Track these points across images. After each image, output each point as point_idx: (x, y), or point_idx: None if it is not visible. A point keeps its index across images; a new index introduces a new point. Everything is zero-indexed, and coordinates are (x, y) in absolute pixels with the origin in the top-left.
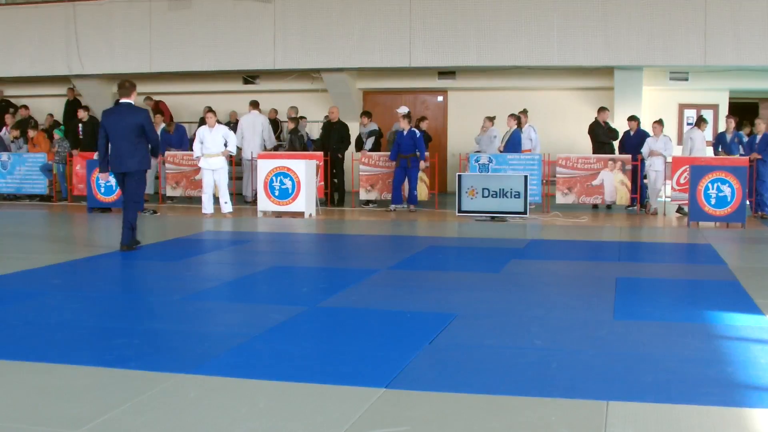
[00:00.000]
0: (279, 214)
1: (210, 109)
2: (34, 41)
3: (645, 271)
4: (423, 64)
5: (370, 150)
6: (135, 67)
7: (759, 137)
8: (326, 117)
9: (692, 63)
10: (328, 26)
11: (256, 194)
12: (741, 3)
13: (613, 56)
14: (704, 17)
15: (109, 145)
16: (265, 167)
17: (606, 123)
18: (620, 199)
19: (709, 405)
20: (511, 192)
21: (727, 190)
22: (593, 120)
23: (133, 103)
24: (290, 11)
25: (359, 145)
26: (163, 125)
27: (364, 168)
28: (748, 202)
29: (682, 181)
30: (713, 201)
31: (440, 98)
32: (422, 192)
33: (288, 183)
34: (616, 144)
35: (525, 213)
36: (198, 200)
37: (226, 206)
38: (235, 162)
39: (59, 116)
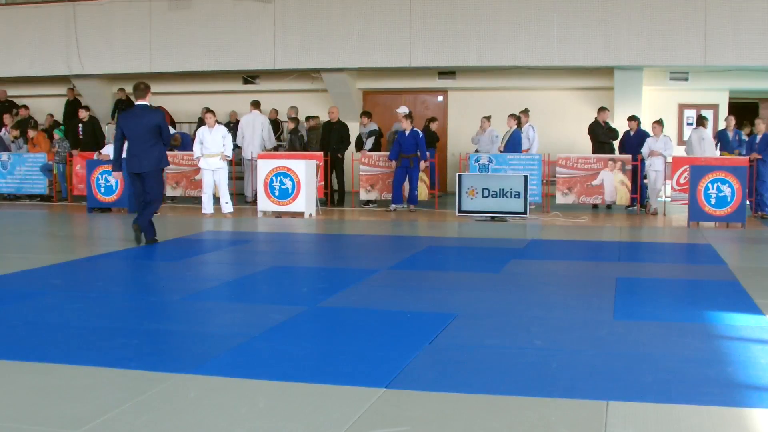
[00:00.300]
0: (279, 214)
1: (209, 110)
2: (34, 41)
3: (645, 271)
4: (423, 64)
5: (370, 150)
6: (135, 67)
7: (759, 137)
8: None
9: (692, 63)
10: (328, 26)
11: (256, 194)
12: (741, 3)
13: (613, 56)
14: (704, 17)
15: (125, 145)
16: (265, 167)
17: (606, 123)
18: (620, 199)
19: (709, 405)
20: (511, 192)
21: (727, 190)
22: (593, 120)
23: (148, 104)
24: (290, 11)
25: (359, 145)
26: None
27: (364, 168)
28: (748, 202)
29: (682, 181)
30: (713, 201)
31: (440, 98)
32: (422, 192)
33: (288, 183)
34: (616, 144)
35: (525, 213)
36: (198, 200)
37: (226, 206)
38: (235, 162)
39: (59, 116)
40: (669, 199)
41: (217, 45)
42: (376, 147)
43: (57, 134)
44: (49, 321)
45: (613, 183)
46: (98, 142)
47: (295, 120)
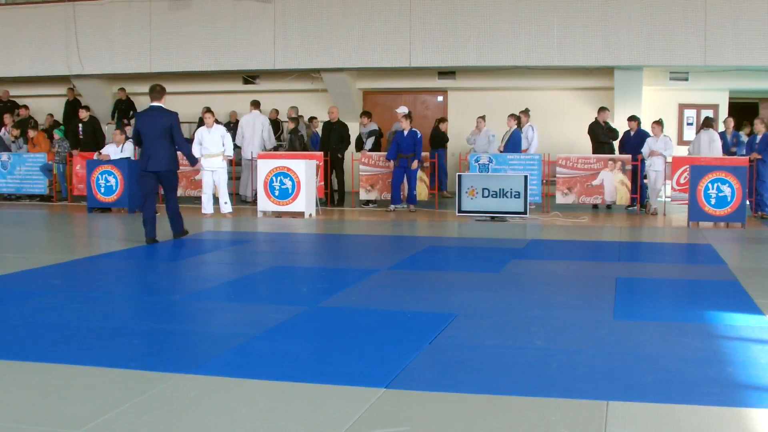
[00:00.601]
0: (279, 214)
1: (208, 110)
2: (34, 41)
3: (645, 271)
4: (423, 64)
5: (370, 150)
6: (135, 67)
7: (759, 137)
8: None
9: (692, 63)
10: (328, 26)
11: (256, 194)
12: (741, 3)
13: (613, 56)
14: (704, 17)
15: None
16: (265, 167)
17: (606, 123)
18: (620, 199)
19: (709, 405)
20: (511, 192)
21: (727, 190)
22: (593, 120)
23: (163, 106)
24: (290, 11)
25: (359, 145)
26: None
27: (364, 168)
28: (748, 202)
29: (682, 181)
30: (713, 201)
31: (440, 98)
32: (422, 192)
33: (288, 183)
34: (616, 144)
35: (525, 213)
36: (198, 200)
37: (226, 206)
38: (235, 162)
39: (59, 116)
40: (669, 199)
41: (217, 45)
42: (376, 147)
43: (57, 134)
44: (49, 321)
45: (613, 183)
46: (98, 142)
47: (296, 120)
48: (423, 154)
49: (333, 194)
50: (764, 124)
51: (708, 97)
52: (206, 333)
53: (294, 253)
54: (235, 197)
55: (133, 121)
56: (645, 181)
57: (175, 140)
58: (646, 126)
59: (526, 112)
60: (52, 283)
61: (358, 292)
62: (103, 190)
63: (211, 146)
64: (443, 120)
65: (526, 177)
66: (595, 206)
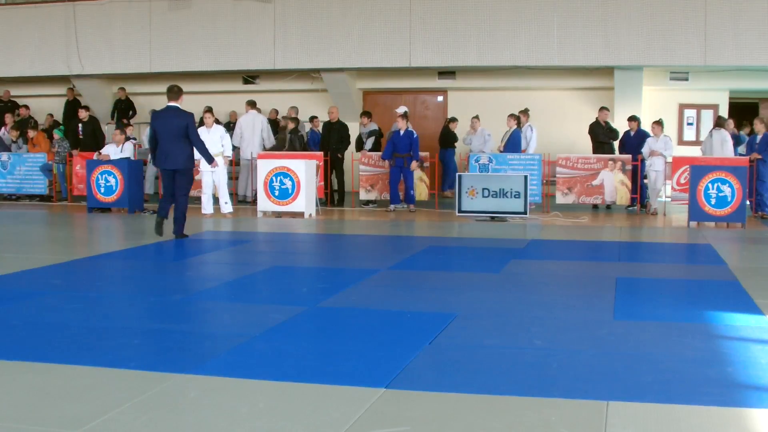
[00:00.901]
0: (279, 214)
1: (209, 110)
2: (34, 41)
3: (645, 271)
4: (423, 64)
5: (370, 150)
6: (135, 67)
7: (759, 137)
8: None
9: (692, 63)
10: (328, 26)
11: (256, 194)
12: (741, 3)
13: (613, 56)
14: (704, 17)
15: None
16: (264, 167)
17: (606, 123)
18: (620, 199)
19: (709, 405)
20: (511, 192)
21: (727, 190)
22: (593, 120)
23: (179, 106)
24: (290, 11)
25: (359, 146)
26: None
27: (364, 168)
28: (748, 202)
29: (682, 181)
30: (713, 201)
31: (440, 98)
32: (422, 192)
33: (288, 183)
34: (616, 144)
35: (525, 213)
36: (198, 200)
37: (226, 206)
38: (235, 162)
39: (59, 116)
40: (669, 199)
41: (217, 45)
42: (376, 147)
43: (57, 134)
44: (49, 321)
45: (613, 183)
46: (98, 142)
47: (295, 120)
48: (424, 154)
49: (333, 194)
50: (764, 124)
51: (708, 97)
52: (206, 333)
53: (294, 253)
54: (235, 197)
55: (133, 121)
56: (645, 181)
57: (191, 140)
58: (646, 126)
59: (525, 112)
60: (52, 283)
61: (358, 292)
62: (103, 190)
63: (210, 146)
64: (453, 120)
65: (526, 177)
66: (595, 206)
